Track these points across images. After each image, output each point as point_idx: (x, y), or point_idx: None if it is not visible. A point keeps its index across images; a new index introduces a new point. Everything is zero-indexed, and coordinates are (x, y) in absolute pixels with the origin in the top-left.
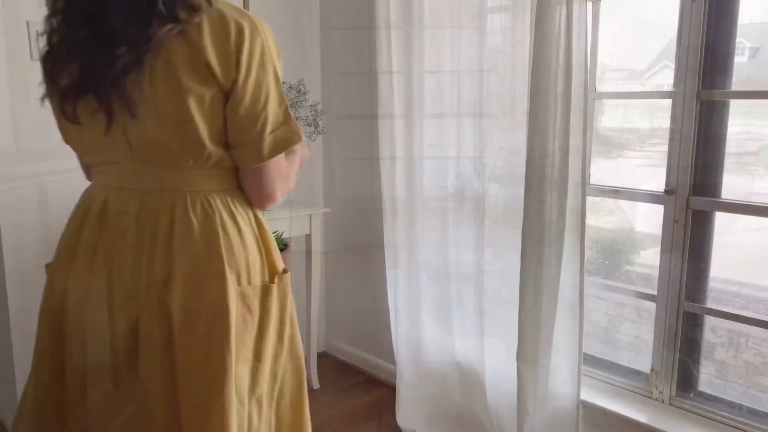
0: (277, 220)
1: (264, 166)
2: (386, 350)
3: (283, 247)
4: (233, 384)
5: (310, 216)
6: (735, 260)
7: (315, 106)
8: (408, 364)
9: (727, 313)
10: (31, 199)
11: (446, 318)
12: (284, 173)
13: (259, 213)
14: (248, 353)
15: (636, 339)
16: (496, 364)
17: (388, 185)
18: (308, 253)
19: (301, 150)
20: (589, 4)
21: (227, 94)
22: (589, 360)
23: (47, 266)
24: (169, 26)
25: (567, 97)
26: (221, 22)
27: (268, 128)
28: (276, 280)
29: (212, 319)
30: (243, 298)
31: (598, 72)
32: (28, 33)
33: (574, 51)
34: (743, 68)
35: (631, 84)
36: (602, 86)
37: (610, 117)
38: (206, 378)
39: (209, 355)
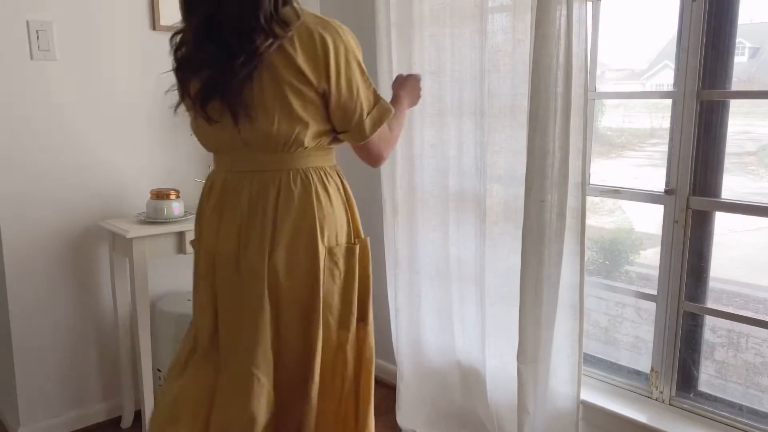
0: None
1: (369, 140)
2: (386, 350)
3: None
4: (320, 324)
5: None
6: (735, 260)
7: None
8: (408, 364)
9: (727, 313)
10: (31, 198)
11: (446, 318)
12: (387, 138)
13: (347, 184)
14: (337, 301)
15: (636, 339)
16: (497, 363)
17: (389, 185)
18: None
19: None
20: (589, 4)
21: (321, 94)
22: (589, 360)
23: (191, 242)
24: (269, 41)
25: (567, 97)
26: (308, 36)
27: (365, 112)
28: (358, 242)
29: (306, 270)
30: (331, 255)
31: (598, 72)
32: (28, 33)
33: (574, 51)
34: (743, 68)
35: (631, 84)
36: (602, 86)
37: (610, 117)
38: (301, 316)
39: (303, 298)
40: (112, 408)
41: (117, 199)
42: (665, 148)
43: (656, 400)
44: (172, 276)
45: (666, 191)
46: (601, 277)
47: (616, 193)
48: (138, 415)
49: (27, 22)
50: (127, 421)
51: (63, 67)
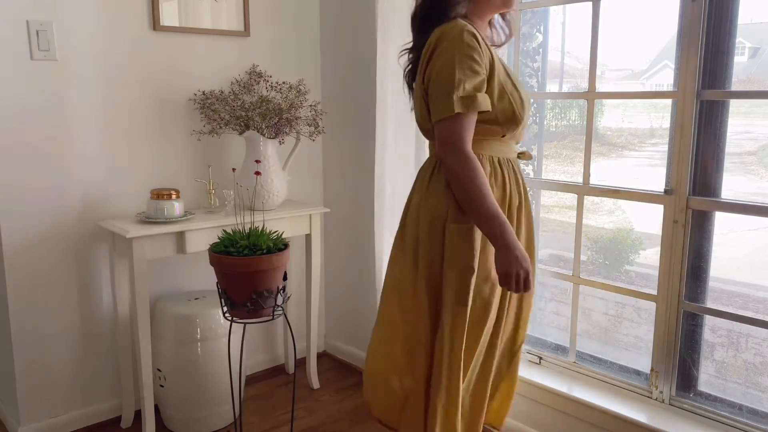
0: (277, 220)
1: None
2: None
3: (283, 247)
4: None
5: (310, 216)
6: (735, 260)
7: (315, 106)
8: None
9: (727, 313)
10: (31, 198)
11: None
12: (449, 139)
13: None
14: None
15: (636, 339)
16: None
17: (388, 185)
18: (308, 253)
19: None
20: (589, 4)
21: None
22: (589, 360)
23: None
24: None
25: None
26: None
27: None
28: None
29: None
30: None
31: (598, 72)
32: (28, 33)
33: None
34: (743, 68)
35: (631, 84)
36: (602, 86)
37: (610, 117)
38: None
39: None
40: (112, 408)
41: (117, 199)
42: (665, 148)
43: (656, 399)
44: (172, 276)
45: (666, 191)
46: (601, 277)
47: (616, 193)
48: (138, 415)
49: (27, 22)
50: (127, 421)
51: (63, 67)
